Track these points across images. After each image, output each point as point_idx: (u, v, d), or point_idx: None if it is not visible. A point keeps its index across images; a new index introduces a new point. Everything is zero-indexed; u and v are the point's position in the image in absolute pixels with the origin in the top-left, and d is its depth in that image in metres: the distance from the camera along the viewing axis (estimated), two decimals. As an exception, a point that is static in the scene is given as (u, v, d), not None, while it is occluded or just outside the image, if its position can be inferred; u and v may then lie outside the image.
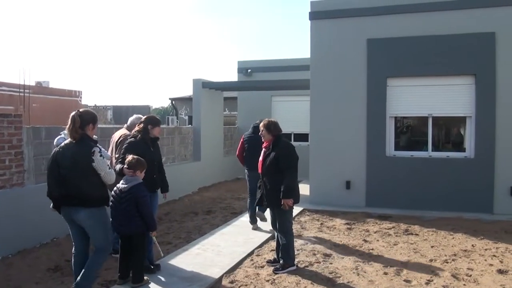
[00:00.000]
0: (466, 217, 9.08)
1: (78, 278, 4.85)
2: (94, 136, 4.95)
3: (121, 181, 5.37)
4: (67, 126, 4.79)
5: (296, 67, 15.32)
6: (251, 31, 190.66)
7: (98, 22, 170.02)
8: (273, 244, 7.28)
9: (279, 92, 16.26)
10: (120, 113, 38.19)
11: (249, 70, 16.78)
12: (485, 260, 6.49)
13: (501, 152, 9.52)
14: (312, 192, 10.75)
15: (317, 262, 6.35)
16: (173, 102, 24.55)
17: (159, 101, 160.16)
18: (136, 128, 6.07)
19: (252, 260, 6.56)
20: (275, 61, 16.89)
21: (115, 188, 5.38)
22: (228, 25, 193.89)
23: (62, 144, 4.89)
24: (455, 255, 6.73)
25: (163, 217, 9.53)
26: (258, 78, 16.37)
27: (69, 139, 4.85)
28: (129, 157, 5.42)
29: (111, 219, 5.32)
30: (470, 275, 5.83)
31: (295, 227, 8.40)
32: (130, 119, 6.92)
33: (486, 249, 7.03)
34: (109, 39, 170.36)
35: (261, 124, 6.28)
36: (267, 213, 6.75)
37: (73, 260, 5.04)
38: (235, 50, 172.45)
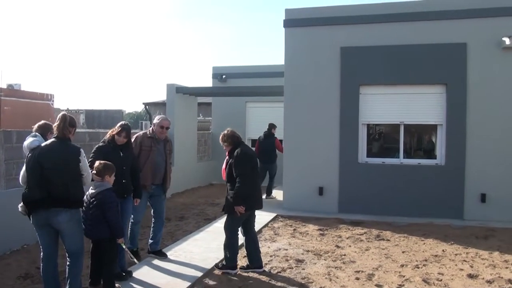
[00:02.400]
0: (437, 223, 9.24)
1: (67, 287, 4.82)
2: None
3: (91, 187, 5.32)
4: (55, 124, 4.77)
5: (271, 74, 15.35)
6: (227, 37, 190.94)
7: (71, 25, 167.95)
8: (245, 250, 7.30)
9: (254, 98, 16.28)
10: (93, 117, 37.71)
11: (223, 76, 16.75)
12: (456, 265, 6.61)
13: (472, 160, 9.73)
14: (285, 198, 10.79)
15: (290, 268, 6.37)
16: (147, 107, 24.32)
17: (133, 105, 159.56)
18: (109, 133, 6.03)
19: (219, 265, 6.52)
20: (250, 67, 16.92)
21: (86, 193, 5.30)
22: (204, 30, 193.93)
23: (42, 145, 4.78)
24: (426, 260, 6.83)
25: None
26: (232, 84, 16.36)
27: (49, 140, 4.82)
28: (96, 163, 5.36)
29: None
30: (441, 280, 5.93)
31: (269, 233, 8.43)
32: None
33: (456, 254, 7.15)
34: (82, 42, 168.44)
35: (220, 137, 6.60)
36: None
37: (42, 266, 4.91)
38: (210, 55, 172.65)
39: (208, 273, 6.16)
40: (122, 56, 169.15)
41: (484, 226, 9.00)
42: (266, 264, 6.53)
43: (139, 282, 5.71)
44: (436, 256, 7.05)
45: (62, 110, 35.67)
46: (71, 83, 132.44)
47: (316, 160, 10.57)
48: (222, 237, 7.70)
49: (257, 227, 8.68)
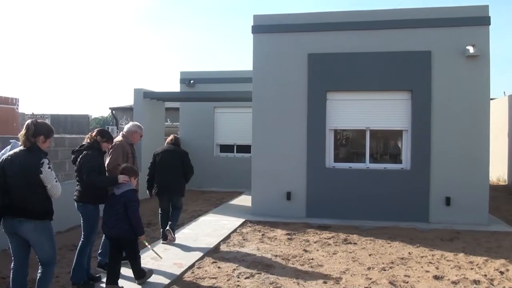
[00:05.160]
0: (403, 226, 9.39)
1: None
2: (45, 149, 4.82)
3: (115, 187, 5.67)
4: (20, 133, 4.70)
5: (239, 79, 15.35)
6: (195, 43, 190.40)
7: (37, 28, 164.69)
8: (214, 255, 7.30)
9: (222, 104, 16.25)
10: (59, 122, 36.86)
11: (191, 81, 16.63)
12: (422, 267, 6.72)
13: (436, 164, 9.94)
14: (253, 204, 10.78)
15: (258, 273, 6.35)
16: (114, 112, 24.02)
17: (99, 110, 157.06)
18: (88, 140, 5.98)
19: (193, 272, 6.47)
20: (218, 72, 16.86)
21: (109, 193, 5.71)
22: (172, 36, 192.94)
23: (11, 152, 4.73)
24: (392, 262, 6.93)
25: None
26: (201, 89, 16.30)
27: (19, 148, 4.75)
28: (124, 165, 5.94)
29: (101, 222, 5.67)
30: (407, 282, 6.01)
31: (237, 239, 8.41)
32: (127, 127, 7.09)
33: (422, 257, 7.27)
34: (48, 45, 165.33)
35: None
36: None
37: (12, 275, 4.78)
38: (178, 60, 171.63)
39: (180, 277, 6.11)
40: (88, 60, 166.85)
41: (449, 229, 9.20)
42: (234, 269, 6.51)
43: (105, 289, 5.61)
44: (402, 258, 7.16)
45: (27, 115, 34.89)
46: (36, 87, 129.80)
47: (284, 165, 10.61)
48: (191, 242, 7.68)
49: (225, 232, 8.75)
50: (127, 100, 59.46)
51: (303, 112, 10.54)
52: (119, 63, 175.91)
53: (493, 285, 5.93)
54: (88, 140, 5.97)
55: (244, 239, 8.41)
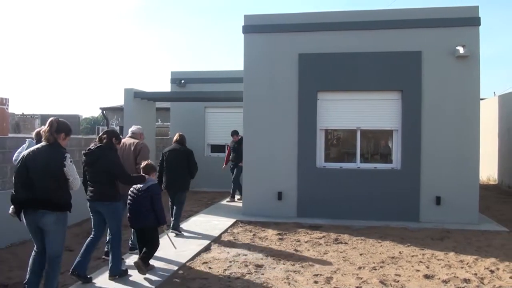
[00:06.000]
0: (394, 226, 9.42)
1: None
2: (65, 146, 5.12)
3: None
4: (43, 130, 5.01)
5: (230, 79, 15.33)
6: (186, 42, 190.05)
7: (26, 27, 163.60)
8: (205, 256, 7.29)
9: (213, 104, 16.21)
10: (49, 122, 36.57)
11: (182, 81, 16.53)
12: (412, 266, 6.74)
13: (426, 163, 9.98)
14: (245, 204, 10.76)
15: (249, 273, 6.34)
16: (104, 112, 23.96)
17: (90, 110, 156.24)
18: (100, 142, 6.20)
19: (184, 272, 6.45)
20: (209, 72, 16.81)
21: (132, 188, 6.28)
22: (163, 35, 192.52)
23: (32, 148, 5.00)
24: (383, 262, 6.94)
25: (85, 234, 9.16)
26: (191, 89, 16.21)
27: (38, 144, 5.03)
28: (143, 163, 6.47)
29: (128, 215, 6.26)
30: (398, 281, 6.02)
31: (228, 239, 8.40)
32: (133, 129, 7.75)
33: (413, 256, 7.29)
34: (38, 45, 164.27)
35: None
36: None
37: (32, 258, 5.05)
38: (168, 60, 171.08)
39: (167, 282, 6.08)
40: (79, 60, 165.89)
41: (439, 228, 9.24)
42: (225, 270, 6.49)
43: None
44: (393, 258, 7.17)
45: (18, 115, 34.56)
46: (27, 87, 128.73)
47: (275, 165, 10.60)
48: (181, 244, 7.67)
49: (216, 232, 8.73)
50: (118, 100, 59.30)
51: (294, 112, 10.54)
52: (110, 63, 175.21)
53: (483, 283, 5.95)
54: (100, 142, 6.15)
55: (235, 239, 8.39)
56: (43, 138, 4.97)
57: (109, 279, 5.92)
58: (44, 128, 5.00)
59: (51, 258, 4.95)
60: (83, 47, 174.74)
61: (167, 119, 20.31)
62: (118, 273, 6.01)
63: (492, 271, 6.45)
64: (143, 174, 6.36)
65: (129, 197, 6.31)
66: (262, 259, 7.07)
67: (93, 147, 6.09)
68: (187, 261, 6.90)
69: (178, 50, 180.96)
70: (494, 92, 21.14)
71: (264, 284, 5.90)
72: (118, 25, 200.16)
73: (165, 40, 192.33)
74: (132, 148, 7.28)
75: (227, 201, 12.78)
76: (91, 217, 6.20)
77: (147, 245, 6.27)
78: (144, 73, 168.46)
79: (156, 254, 6.56)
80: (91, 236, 6.11)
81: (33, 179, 4.80)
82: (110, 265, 6.02)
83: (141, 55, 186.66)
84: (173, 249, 6.98)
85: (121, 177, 6.07)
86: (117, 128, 25.57)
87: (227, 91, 14.11)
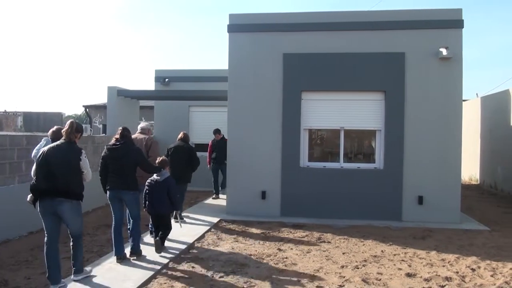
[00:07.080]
0: (376, 225, 9.48)
1: (73, 262, 5.85)
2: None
3: (155, 175, 7.25)
4: (64, 130, 5.77)
5: (214, 78, 15.29)
6: (170, 41, 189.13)
7: (7, 23, 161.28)
8: (188, 255, 7.26)
9: (197, 103, 16.14)
10: (31, 120, 36.10)
11: (166, 80, 16.42)
12: (394, 264, 6.79)
13: (409, 164, 10.06)
14: (228, 203, 10.74)
15: (233, 273, 6.33)
16: (87, 110, 23.61)
17: (72, 108, 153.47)
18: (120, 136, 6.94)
19: (167, 272, 6.42)
20: (193, 71, 16.72)
21: (149, 180, 7.27)
22: (147, 34, 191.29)
23: (51, 145, 5.73)
24: (365, 261, 6.98)
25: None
26: (175, 88, 16.12)
27: (58, 142, 5.76)
28: (160, 158, 7.46)
29: (147, 203, 7.24)
30: (380, 279, 6.07)
31: (212, 238, 8.39)
32: (142, 125, 8.75)
33: (395, 254, 7.35)
34: (20, 41, 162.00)
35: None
36: None
37: (46, 248, 5.58)
38: (152, 59, 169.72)
39: (149, 280, 6.04)
40: (62, 57, 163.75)
41: (421, 227, 9.33)
42: (208, 269, 6.48)
43: None
44: (375, 256, 7.22)
45: (0, 112, 33.98)
46: (8, 84, 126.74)
47: (259, 164, 10.61)
48: (166, 243, 7.62)
49: (200, 232, 8.70)
50: (101, 98, 58.76)
51: (278, 112, 10.55)
52: (94, 61, 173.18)
53: (464, 281, 6.02)
54: (122, 138, 6.88)
55: (218, 238, 8.38)
56: (63, 137, 5.74)
57: (130, 257, 6.80)
58: (66, 128, 5.77)
59: (75, 237, 5.80)
60: (66, 44, 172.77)
61: (151, 117, 20.18)
62: (139, 252, 6.90)
63: (473, 270, 6.53)
64: (159, 166, 7.30)
65: (146, 187, 7.26)
66: (245, 258, 7.07)
67: (118, 143, 6.84)
68: (170, 260, 6.87)
69: (163, 49, 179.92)
70: (477, 94, 21.44)
71: (248, 283, 5.89)
72: (103, 23, 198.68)
73: (150, 38, 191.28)
74: (144, 142, 8.25)
75: (213, 198, 12.92)
76: (110, 205, 6.93)
77: (162, 228, 7.25)
78: (128, 71, 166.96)
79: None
80: (113, 223, 6.88)
81: (54, 171, 5.51)
82: (131, 244, 6.88)
83: (125, 53, 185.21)
84: (155, 249, 7.05)
85: (147, 167, 7.06)
86: (100, 127, 25.40)
87: (211, 90, 14.09)
